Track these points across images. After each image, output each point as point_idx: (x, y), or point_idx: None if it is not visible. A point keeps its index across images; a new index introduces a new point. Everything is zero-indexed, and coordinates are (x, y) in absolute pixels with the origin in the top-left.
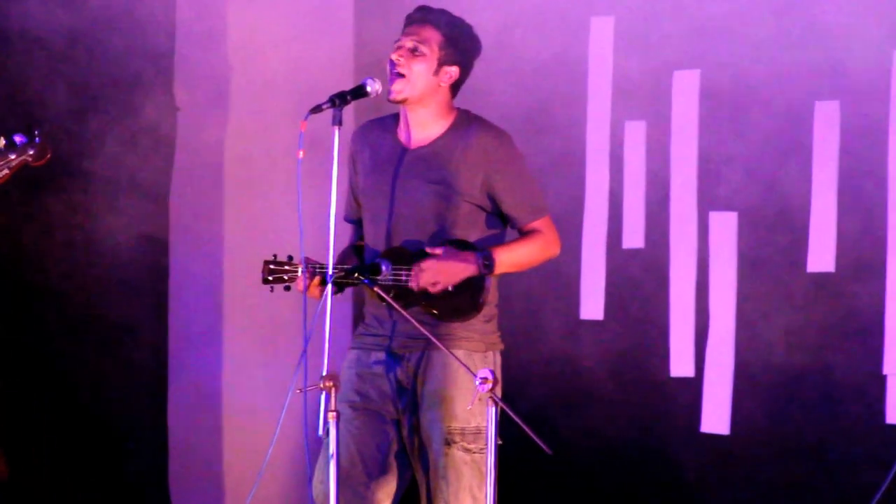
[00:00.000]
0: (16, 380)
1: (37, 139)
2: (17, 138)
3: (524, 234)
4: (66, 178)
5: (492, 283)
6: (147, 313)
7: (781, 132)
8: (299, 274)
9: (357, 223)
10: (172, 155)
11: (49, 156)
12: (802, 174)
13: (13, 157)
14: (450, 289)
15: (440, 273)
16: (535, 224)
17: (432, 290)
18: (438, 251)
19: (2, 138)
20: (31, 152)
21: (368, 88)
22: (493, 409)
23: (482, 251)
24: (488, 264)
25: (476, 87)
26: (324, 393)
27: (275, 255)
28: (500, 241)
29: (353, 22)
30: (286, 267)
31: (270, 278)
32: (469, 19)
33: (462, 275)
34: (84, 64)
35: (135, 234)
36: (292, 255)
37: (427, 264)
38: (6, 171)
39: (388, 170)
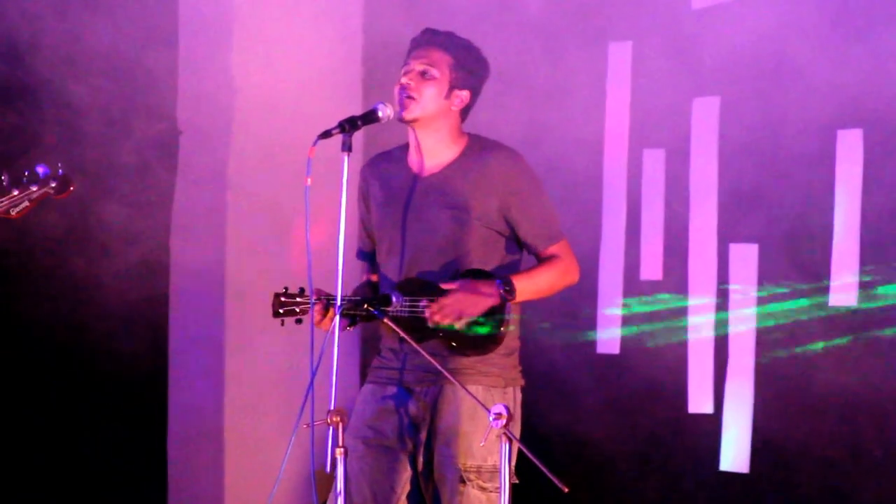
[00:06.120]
0: (10, 413)
1: (60, 171)
2: (40, 169)
3: (542, 259)
4: (66, 203)
5: (513, 313)
6: (146, 343)
7: (803, 161)
8: (311, 305)
9: (370, 258)
10: (174, 180)
11: (72, 188)
12: (825, 205)
13: (34, 188)
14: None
15: (462, 307)
16: (553, 249)
17: (458, 325)
18: (454, 285)
19: (25, 170)
20: (54, 185)
21: (380, 113)
22: (507, 445)
23: (500, 279)
24: (509, 290)
25: (490, 112)
26: (331, 428)
27: (286, 288)
28: (517, 267)
29: (362, 45)
30: (298, 299)
31: (281, 311)
32: (483, 42)
33: (484, 304)
34: (83, 87)
35: (135, 261)
36: (303, 286)
37: (447, 300)
38: (27, 204)
39: (401, 199)
